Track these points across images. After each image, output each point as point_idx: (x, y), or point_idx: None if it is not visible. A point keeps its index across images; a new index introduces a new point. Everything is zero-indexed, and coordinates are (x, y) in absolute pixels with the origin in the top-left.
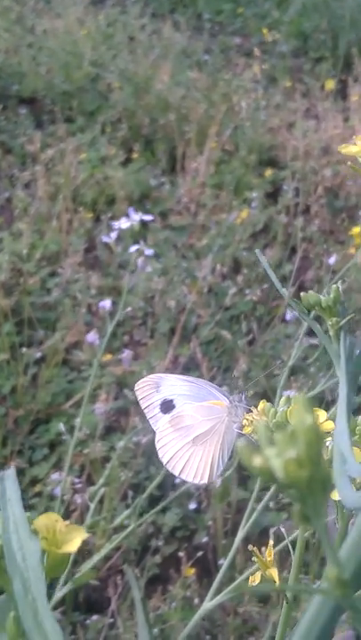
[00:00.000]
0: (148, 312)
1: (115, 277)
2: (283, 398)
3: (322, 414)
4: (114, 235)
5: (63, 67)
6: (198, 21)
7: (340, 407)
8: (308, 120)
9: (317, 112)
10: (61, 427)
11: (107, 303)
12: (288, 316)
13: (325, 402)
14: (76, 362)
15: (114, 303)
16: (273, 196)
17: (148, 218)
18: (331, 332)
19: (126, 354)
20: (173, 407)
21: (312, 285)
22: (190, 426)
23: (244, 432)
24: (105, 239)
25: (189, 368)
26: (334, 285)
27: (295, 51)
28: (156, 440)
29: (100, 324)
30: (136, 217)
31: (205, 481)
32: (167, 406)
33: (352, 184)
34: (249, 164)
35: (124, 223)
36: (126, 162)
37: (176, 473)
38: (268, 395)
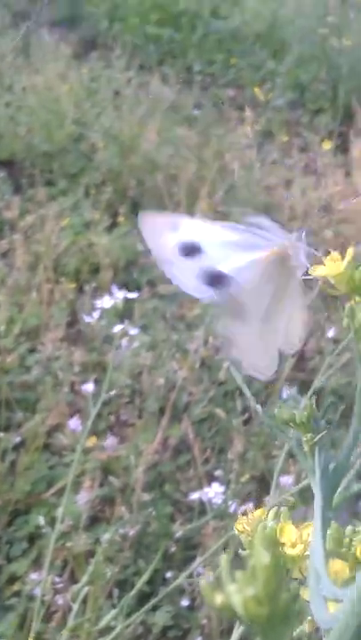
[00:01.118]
0: (135, 389)
1: (99, 352)
2: (272, 510)
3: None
4: (96, 314)
5: (44, 126)
6: (188, 73)
7: (316, 524)
8: (307, 176)
9: (316, 167)
10: (41, 520)
11: (90, 386)
12: (284, 395)
13: None
14: (58, 446)
15: (97, 381)
16: None
17: (132, 295)
18: (306, 448)
19: (111, 440)
20: (199, 250)
21: (313, 356)
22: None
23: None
24: (87, 319)
25: (180, 450)
26: (308, 401)
27: (292, 102)
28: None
29: (83, 403)
30: (120, 295)
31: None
32: (190, 249)
33: (355, 245)
34: None
35: (106, 302)
36: (112, 226)
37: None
38: (267, 478)
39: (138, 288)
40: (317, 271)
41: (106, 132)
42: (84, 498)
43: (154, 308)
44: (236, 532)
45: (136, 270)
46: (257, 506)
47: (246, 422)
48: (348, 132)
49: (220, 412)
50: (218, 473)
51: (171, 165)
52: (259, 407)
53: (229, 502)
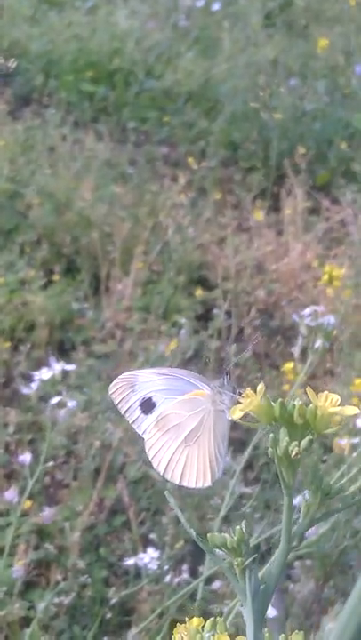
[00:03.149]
0: (70, 450)
1: (35, 412)
2: (209, 622)
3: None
4: (34, 385)
5: None
6: (122, 130)
7: None
8: (240, 234)
9: (249, 225)
10: None
11: (26, 457)
12: None
13: (260, 553)
14: None
15: (33, 441)
16: (204, 317)
17: (70, 367)
18: (237, 571)
19: (47, 512)
20: (154, 405)
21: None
22: (178, 425)
23: (233, 418)
24: (25, 390)
25: (116, 511)
26: (238, 527)
27: (225, 161)
28: (146, 448)
29: (17, 465)
30: (58, 367)
31: (209, 482)
32: (147, 406)
33: (287, 304)
34: (178, 284)
35: (45, 374)
36: (47, 284)
37: (176, 481)
38: None
39: (73, 347)
40: (236, 413)
41: (41, 189)
42: (19, 571)
43: (89, 368)
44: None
45: (72, 329)
46: (191, 572)
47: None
48: (280, 192)
49: (154, 473)
50: (153, 536)
51: (106, 223)
52: (193, 531)
53: (165, 567)
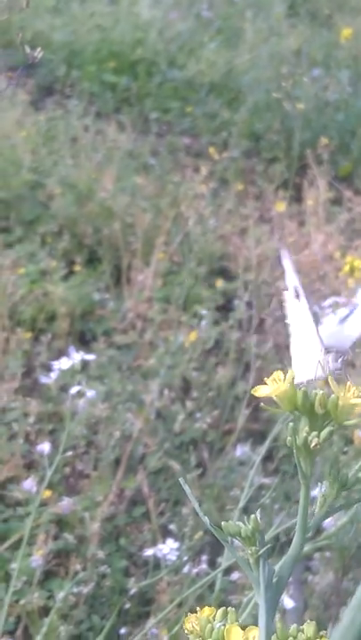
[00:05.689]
0: (90, 440)
1: (55, 402)
2: (220, 610)
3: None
4: (54, 374)
5: (0, 174)
6: (145, 121)
7: (261, 635)
8: (262, 225)
9: (271, 216)
10: None
11: (45, 447)
12: (238, 452)
13: (280, 543)
14: (13, 498)
15: (53, 432)
16: (225, 308)
17: (89, 357)
18: (251, 560)
19: (67, 502)
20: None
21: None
22: None
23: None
24: (44, 380)
25: (136, 501)
26: (253, 515)
27: (247, 151)
28: None
29: (38, 455)
30: (77, 356)
31: None
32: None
33: (308, 295)
34: (198, 275)
35: (64, 363)
36: (68, 275)
37: None
38: None
39: (94, 338)
40: (260, 391)
41: (62, 179)
42: (37, 561)
43: (110, 358)
44: (185, 631)
45: (93, 320)
46: (210, 563)
47: (201, 475)
48: (302, 183)
49: (174, 464)
50: (172, 527)
51: (127, 214)
52: (207, 519)
53: (184, 558)
